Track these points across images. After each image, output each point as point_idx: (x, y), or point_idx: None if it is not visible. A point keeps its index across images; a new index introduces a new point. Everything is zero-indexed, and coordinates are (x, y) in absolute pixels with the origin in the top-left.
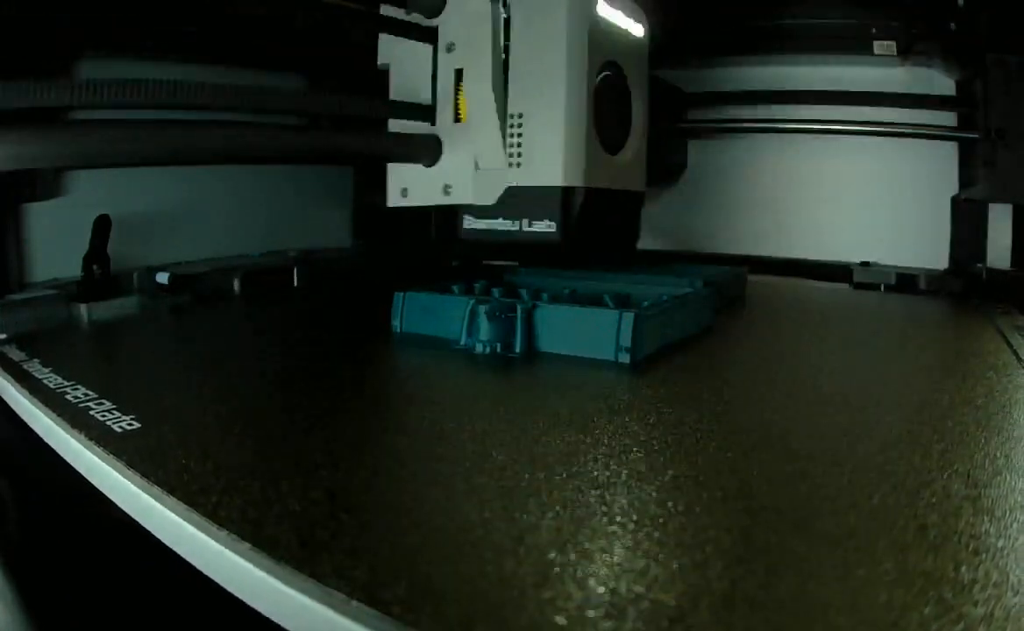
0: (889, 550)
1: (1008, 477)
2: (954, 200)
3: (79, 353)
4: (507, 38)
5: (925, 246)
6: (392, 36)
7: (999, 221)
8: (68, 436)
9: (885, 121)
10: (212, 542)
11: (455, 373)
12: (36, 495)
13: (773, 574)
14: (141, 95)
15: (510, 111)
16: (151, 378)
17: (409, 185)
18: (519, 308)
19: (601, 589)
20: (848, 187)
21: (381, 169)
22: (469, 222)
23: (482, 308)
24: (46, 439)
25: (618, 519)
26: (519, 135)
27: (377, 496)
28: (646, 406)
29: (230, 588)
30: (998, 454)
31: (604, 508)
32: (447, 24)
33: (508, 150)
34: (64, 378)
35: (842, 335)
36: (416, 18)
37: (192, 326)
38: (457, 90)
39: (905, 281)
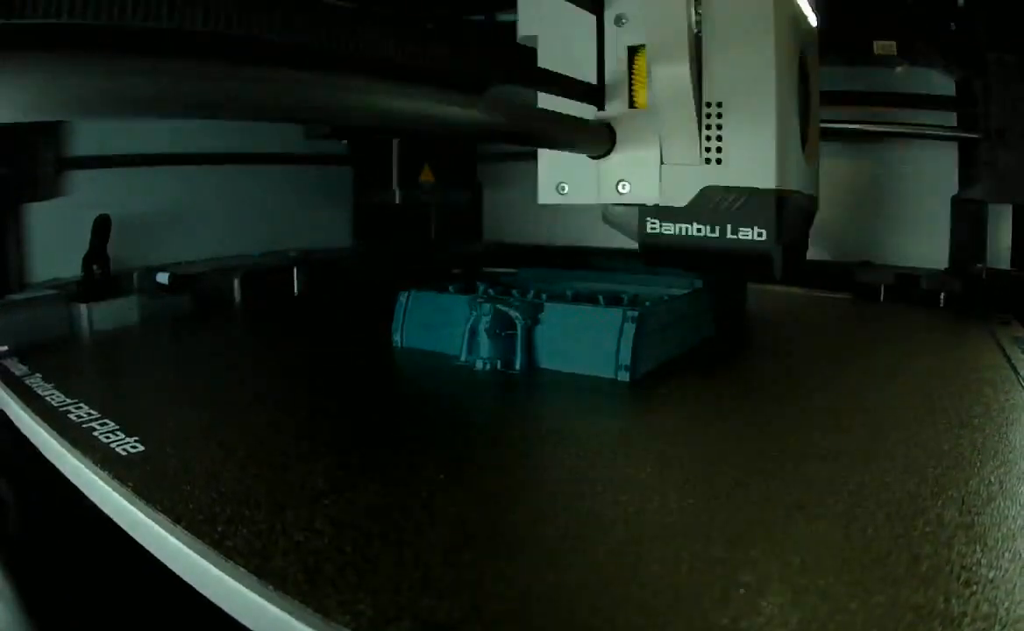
0: (881, 583)
1: (1001, 503)
2: (954, 200)
3: (80, 368)
4: (697, 13)
5: (925, 246)
6: (539, 3)
7: (999, 221)
8: (74, 459)
9: (885, 121)
10: (226, 578)
11: (456, 394)
12: (36, 495)
13: (772, 607)
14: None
15: (706, 100)
16: (152, 397)
17: (568, 180)
18: (519, 326)
19: None
20: (848, 187)
21: (381, 168)
22: (652, 225)
23: (482, 325)
24: (52, 460)
25: None
26: (718, 127)
27: (381, 527)
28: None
29: (240, 620)
30: (992, 478)
31: None
32: None
33: (704, 144)
34: (66, 395)
35: (840, 349)
36: None
37: (192, 340)
38: (631, 70)
39: (905, 281)
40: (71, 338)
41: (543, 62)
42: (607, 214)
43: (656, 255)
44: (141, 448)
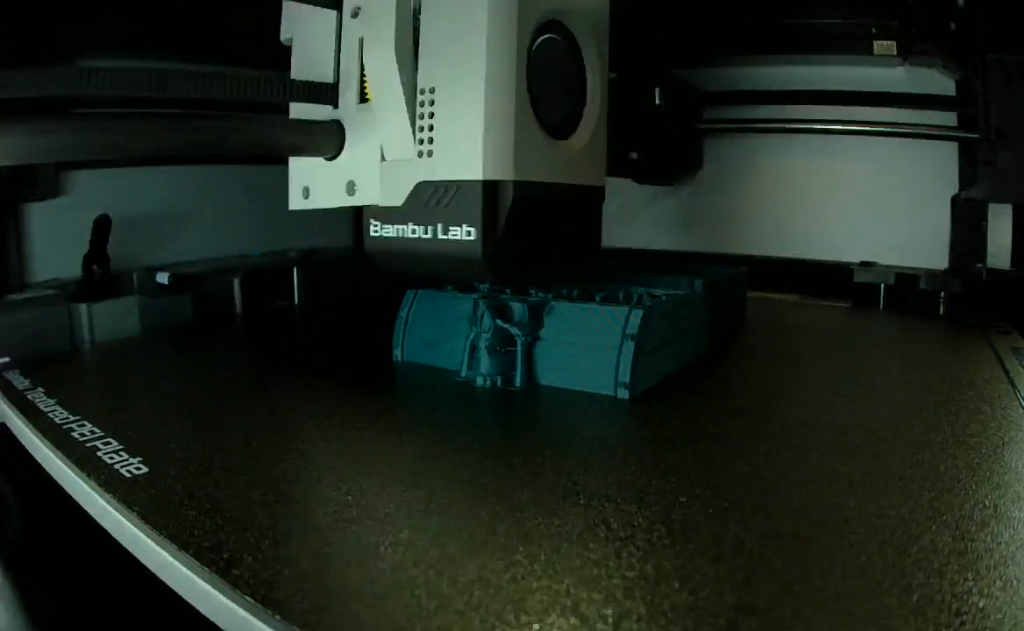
0: (872, 614)
1: (995, 527)
2: (954, 200)
3: (82, 382)
4: None
5: (925, 246)
6: (296, 6)
7: (999, 221)
8: (79, 480)
9: (885, 121)
10: (236, 607)
11: (456, 415)
12: (36, 496)
13: None
14: None
15: (420, 86)
16: (154, 415)
17: (311, 183)
18: (519, 342)
19: None
20: (848, 187)
21: None
22: (375, 228)
23: (482, 342)
24: (57, 480)
25: None
26: (431, 116)
27: (385, 558)
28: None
29: None
30: (987, 502)
31: None
32: None
33: (417, 136)
34: (70, 412)
35: (837, 364)
36: None
37: (192, 352)
38: (362, 64)
39: (905, 281)
40: (72, 348)
41: (297, 63)
42: (369, 247)
43: (384, 260)
44: (145, 470)
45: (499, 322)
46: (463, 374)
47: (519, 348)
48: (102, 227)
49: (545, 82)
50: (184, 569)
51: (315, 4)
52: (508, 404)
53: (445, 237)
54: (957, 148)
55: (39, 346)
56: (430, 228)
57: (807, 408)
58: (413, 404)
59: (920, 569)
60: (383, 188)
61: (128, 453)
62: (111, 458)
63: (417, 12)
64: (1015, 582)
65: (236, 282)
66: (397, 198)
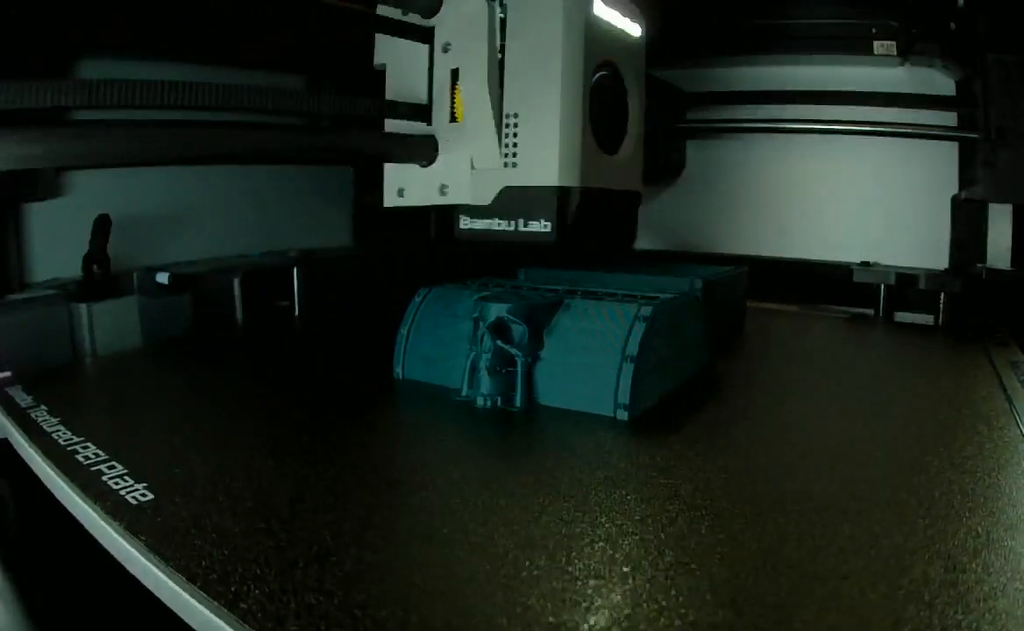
0: None
1: (986, 557)
2: (954, 200)
3: (85, 400)
4: (503, 38)
5: (925, 246)
6: (388, 38)
7: (999, 221)
8: (86, 507)
9: (885, 121)
10: None
11: (457, 437)
12: (36, 496)
13: None
14: (137, 96)
15: (506, 111)
16: (157, 436)
17: (406, 185)
18: (519, 363)
19: None
20: (848, 187)
21: (380, 169)
22: (465, 222)
23: (483, 363)
24: (65, 505)
25: None
26: (515, 135)
27: (390, 586)
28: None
29: None
30: (980, 529)
31: None
32: (443, 24)
33: (503, 150)
34: (73, 433)
35: (835, 381)
36: (413, 18)
37: (193, 367)
38: (453, 90)
39: (905, 281)
40: (73, 359)
41: (390, 85)
42: (459, 235)
43: (469, 246)
44: (151, 497)
45: (499, 342)
46: (463, 393)
47: (519, 368)
48: (102, 227)
49: (600, 109)
50: (193, 601)
51: (410, 39)
52: (508, 427)
53: (526, 229)
54: (957, 148)
55: (39, 346)
56: (513, 222)
57: (805, 430)
58: (416, 427)
59: (911, 601)
60: (473, 190)
61: (133, 478)
62: (116, 483)
63: (502, 52)
64: (1004, 615)
65: (236, 282)
66: (485, 198)
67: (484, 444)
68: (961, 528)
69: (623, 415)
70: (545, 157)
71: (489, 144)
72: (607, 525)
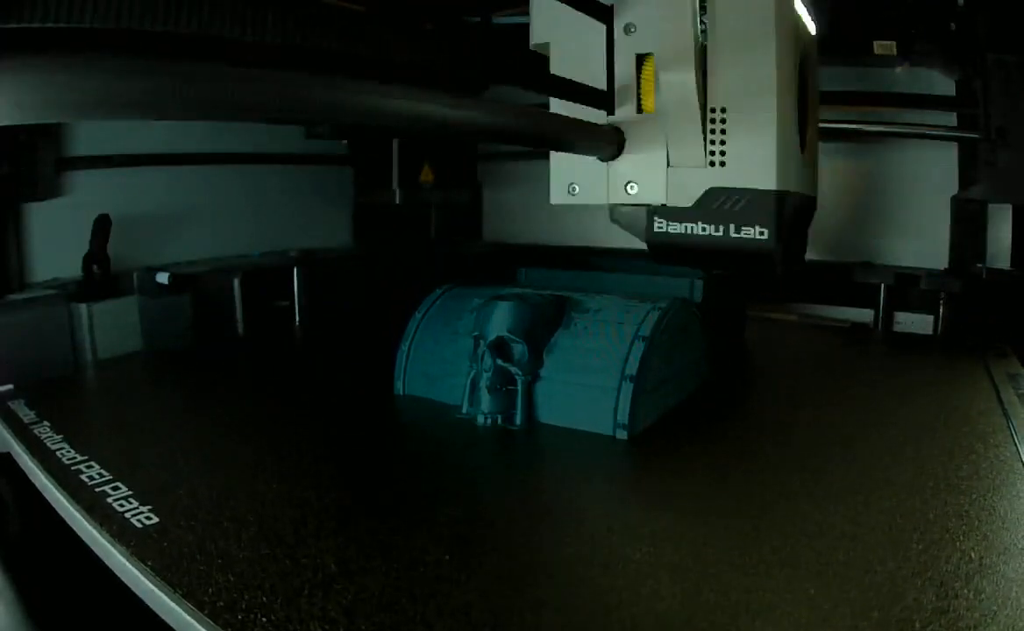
0: None
1: (978, 582)
2: (954, 200)
3: (87, 417)
4: (702, 21)
5: (925, 246)
6: (551, 12)
7: (999, 221)
8: (93, 530)
9: (885, 121)
10: None
11: (458, 460)
12: (36, 495)
13: None
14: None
15: (710, 105)
16: (159, 455)
17: (579, 181)
18: (519, 381)
19: None
20: (848, 187)
21: (381, 169)
22: (660, 225)
23: (483, 382)
24: (69, 523)
25: None
26: (722, 131)
27: (391, 617)
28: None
29: None
30: (973, 554)
31: None
32: (625, 3)
33: (709, 148)
34: (77, 452)
35: (833, 398)
36: None
37: (194, 380)
38: (639, 77)
39: (905, 281)
40: (74, 361)
41: (555, 68)
42: (615, 214)
43: (663, 253)
44: (156, 520)
45: (499, 361)
46: (464, 411)
47: (519, 387)
48: (102, 227)
49: (800, 107)
50: (202, 629)
51: (587, 13)
52: (509, 447)
53: (737, 236)
54: (957, 148)
55: (39, 346)
56: (721, 227)
57: (803, 451)
58: (417, 449)
59: (903, 630)
60: (670, 190)
61: (137, 500)
62: (121, 505)
63: (702, 38)
64: None
65: (236, 282)
66: (686, 200)
67: (485, 467)
68: (955, 552)
69: (622, 434)
70: (762, 157)
71: (692, 140)
72: (605, 551)
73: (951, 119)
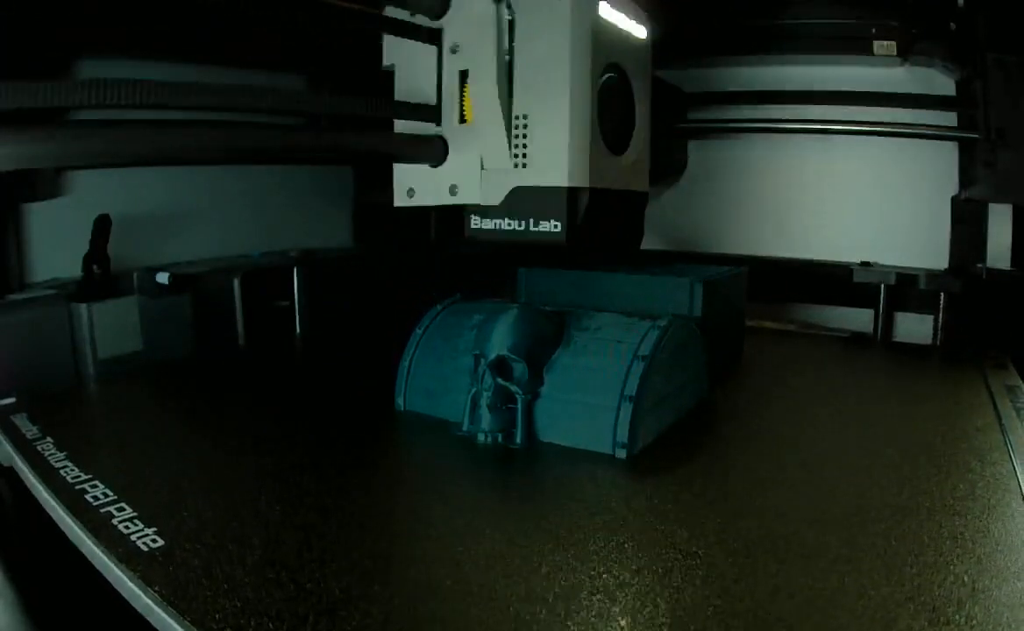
0: None
1: (970, 608)
2: (954, 200)
3: (89, 433)
4: (511, 40)
5: (925, 246)
6: (397, 39)
7: (999, 221)
8: (100, 553)
9: (885, 121)
10: None
11: (459, 479)
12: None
13: None
14: (141, 95)
15: (515, 113)
16: (163, 474)
17: (415, 185)
18: (519, 400)
19: None
20: (848, 187)
21: (382, 169)
22: (475, 222)
23: (483, 400)
24: (75, 544)
25: None
26: (524, 136)
27: None
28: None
29: None
30: (966, 578)
31: None
32: (451, 26)
33: (513, 151)
34: (81, 470)
35: (830, 414)
36: (420, 20)
37: (195, 393)
38: (462, 91)
39: (905, 281)
40: (77, 384)
41: (399, 86)
42: (470, 235)
43: (479, 246)
44: (161, 543)
45: (500, 380)
46: (464, 428)
47: (519, 406)
48: (102, 227)
49: (607, 111)
50: None
51: (418, 40)
52: (509, 466)
53: (536, 228)
54: (957, 148)
55: (39, 346)
56: (523, 222)
57: (800, 471)
58: (418, 468)
59: None
60: (483, 190)
61: (143, 522)
62: (127, 527)
63: (510, 54)
64: None
65: (236, 282)
66: (495, 198)
67: (486, 486)
68: (948, 577)
69: (622, 453)
70: (555, 158)
71: (499, 145)
72: (604, 576)
73: (951, 119)
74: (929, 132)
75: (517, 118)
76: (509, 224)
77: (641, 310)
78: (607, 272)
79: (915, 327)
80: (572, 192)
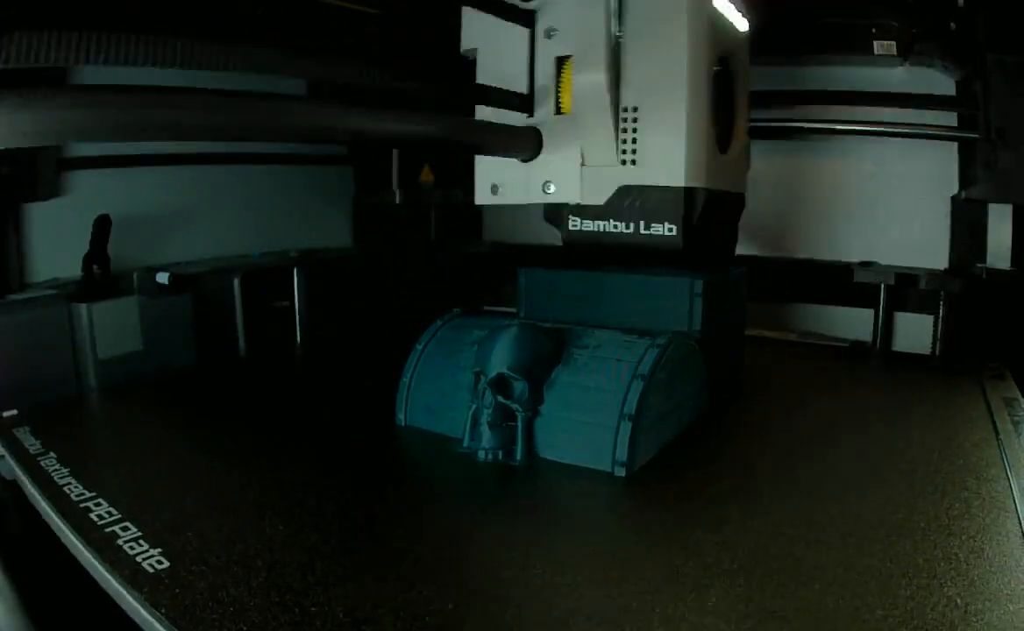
0: None
1: (963, 629)
2: (954, 200)
3: (93, 448)
4: (619, 25)
5: (925, 246)
6: (479, 19)
7: (999, 221)
8: (107, 574)
9: (885, 121)
10: None
11: (460, 498)
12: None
13: None
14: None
15: (623, 105)
16: (166, 492)
17: (501, 182)
18: (520, 418)
19: None
20: (848, 187)
21: (382, 169)
22: (575, 223)
23: (484, 418)
24: (80, 562)
25: None
26: (634, 130)
27: None
28: None
29: None
30: (959, 600)
31: None
32: (547, 7)
33: (620, 146)
34: (84, 487)
35: (828, 432)
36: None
37: (197, 409)
38: (559, 79)
39: (905, 281)
40: (79, 394)
41: (482, 71)
42: (545, 214)
43: (578, 250)
44: (167, 564)
45: (500, 398)
46: (465, 445)
47: (520, 423)
48: (102, 227)
49: (716, 106)
50: None
51: (509, 20)
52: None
53: (647, 232)
54: (957, 148)
55: (39, 346)
56: (632, 224)
57: (797, 488)
58: (419, 487)
59: None
60: (584, 189)
61: (147, 542)
62: (132, 548)
63: (616, 39)
64: None
65: (236, 282)
66: (599, 198)
67: (487, 507)
68: (941, 599)
69: (621, 471)
70: (670, 155)
71: (604, 139)
72: (603, 600)
73: (951, 119)
74: (929, 132)
75: (626, 110)
76: (615, 226)
77: (641, 310)
78: (607, 272)
79: (915, 327)
80: (689, 192)
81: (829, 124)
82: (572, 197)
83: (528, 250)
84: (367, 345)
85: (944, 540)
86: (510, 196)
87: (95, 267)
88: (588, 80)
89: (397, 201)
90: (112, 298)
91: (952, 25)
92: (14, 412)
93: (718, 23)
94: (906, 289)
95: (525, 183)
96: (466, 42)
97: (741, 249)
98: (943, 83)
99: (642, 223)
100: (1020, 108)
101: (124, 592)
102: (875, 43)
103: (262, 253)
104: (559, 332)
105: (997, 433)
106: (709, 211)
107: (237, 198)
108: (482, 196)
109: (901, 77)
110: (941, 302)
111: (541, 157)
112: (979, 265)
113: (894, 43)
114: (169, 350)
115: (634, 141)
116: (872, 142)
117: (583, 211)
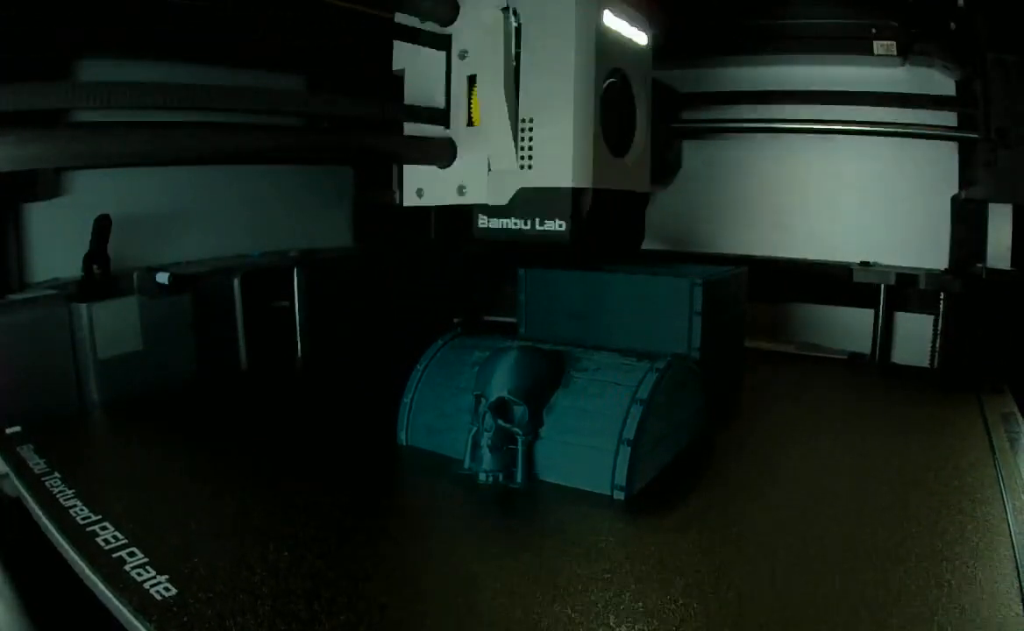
0: None
1: None
2: (954, 200)
3: (97, 468)
4: (518, 46)
5: (925, 246)
6: (406, 44)
7: (999, 221)
8: (114, 598)
9: (885, 121)
10: None
11: (461, 522)
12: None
13: None
14: (139, 97)
15: (521, 116)
16: (172, 516)
17: (424, 186)
18: (520, 441)
19: None
20: (848, 187)
21: (382, 169)
22: (483, 221)
23: (484, 441)
24: (89, 586)
25: None
26: (530, 139)
27: None
28: None
29: None
30: (949, 629)
31: None
32: (460, 32)
33: (519, 153)
34: (90, 510)
35: (827, 450)
36: (430, 26)
37: (200, 428)
38: (470, 95)
39: (905, 281)
40: (82, 410)
41: (409, 89)
42: (477, 234)
43: (486, 244)
44: (174, 591)
45: (500, 422)
46: (466, 466)
47: (520, 447)
48: (102, 227)
49: (610, 114)
50: None
51: (428, 46)
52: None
53: (541, 228)
54: (957, 148)
55: (39, 346)
56: (529, 221)
57: (793, 512)
58: (420, 510)
59: None
60: (490, 191)
61: (154, 568)
62: (139, 574)
63: (517, 60)
64: None
65: (236, 282)
66: (502, 199)
67: (488, 531)
68: (933, 627)
69: (619, 495)
70: (559, 159)
71: (506, 147)
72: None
73: (951, 119)
74: (929, 132)
75: (523, 121)
76: (515, 224)
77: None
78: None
79: (915, 328)
80: (576, 192)
81: (829, 124)
82: (481, 198)
83: (528, 250)
84: (368, 347)
85: (937, 566)
86: (432, 198)
87: (95, 267)
88: (490, 95)
89: (397, 201)
90: (112, 298)
91: (952, 25)
92: (17, 429)
93: (609, 42)
94: (906, 289)
95: (444, 186)
96: (396, 64)
97: (741, 249)
98: (943, 83)
99: (537, 220)
100: (1020, 108)
101: (134, 620)
102: (875, 43)
103: (262, 253)
104: (558, 354)
105: (994, 452)
106: (600, 208)
107: (237, 198)
108: (409, 199)
109: (901, 77)
110: (941, 302)
111: (456, 164)
112: (979, 265)
113: (894, 43)
114: (169, 350)
115: (531, 148)
116: (872, 142)
117: (490, 210)
